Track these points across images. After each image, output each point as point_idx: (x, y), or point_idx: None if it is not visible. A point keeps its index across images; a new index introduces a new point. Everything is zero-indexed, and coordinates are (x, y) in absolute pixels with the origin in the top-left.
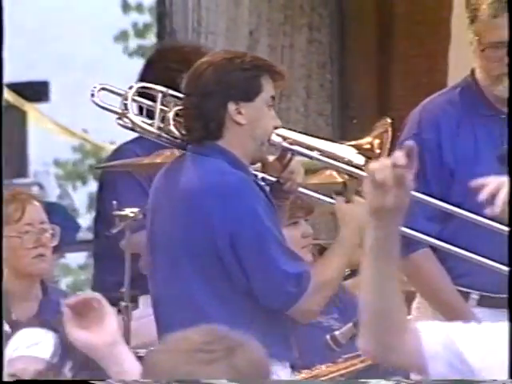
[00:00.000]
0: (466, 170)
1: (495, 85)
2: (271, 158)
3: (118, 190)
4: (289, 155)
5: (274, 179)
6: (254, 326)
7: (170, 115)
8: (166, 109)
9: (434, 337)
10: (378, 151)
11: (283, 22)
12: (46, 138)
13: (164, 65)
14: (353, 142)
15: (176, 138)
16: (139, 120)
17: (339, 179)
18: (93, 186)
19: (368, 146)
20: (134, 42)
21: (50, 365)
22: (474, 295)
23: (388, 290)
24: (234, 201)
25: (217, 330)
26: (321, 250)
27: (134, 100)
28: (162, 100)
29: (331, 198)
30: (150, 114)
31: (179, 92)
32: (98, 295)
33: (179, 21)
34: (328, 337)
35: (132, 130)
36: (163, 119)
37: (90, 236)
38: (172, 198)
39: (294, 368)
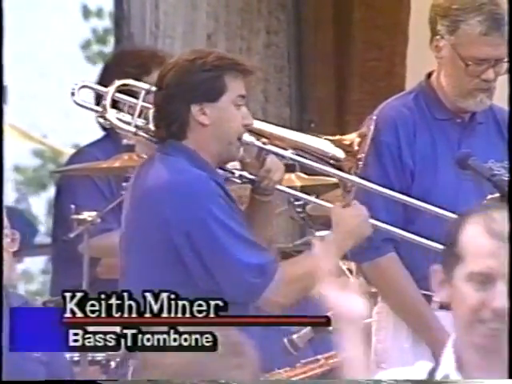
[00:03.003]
0: (425, 173)
1: (465, 98)
2: (250, 157)
3: (77, 194)
4: (263, 154)
5: (251, 177)
6: None
7: (150, 113)
8: (148, 106)
9: None
10: (356, 148)
11: (240, 26)
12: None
13: (121, 69)
14: (336, 137)
15: (153, 136)
16: (116, 119)
17: (298, 183)
18: (53, 191)
19: (348, 142)
20: (95, 48)
21: None
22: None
23: None
24: (187, 199)
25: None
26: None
27: (115, 97)
28: (144, 98)
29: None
30: (132, 111)
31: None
32: None
33: (137, 24)
34: (285, 340)
35: (109, 128)
36: (145, 116)
37: (48, 240)
38: (136, 196)
39: None
